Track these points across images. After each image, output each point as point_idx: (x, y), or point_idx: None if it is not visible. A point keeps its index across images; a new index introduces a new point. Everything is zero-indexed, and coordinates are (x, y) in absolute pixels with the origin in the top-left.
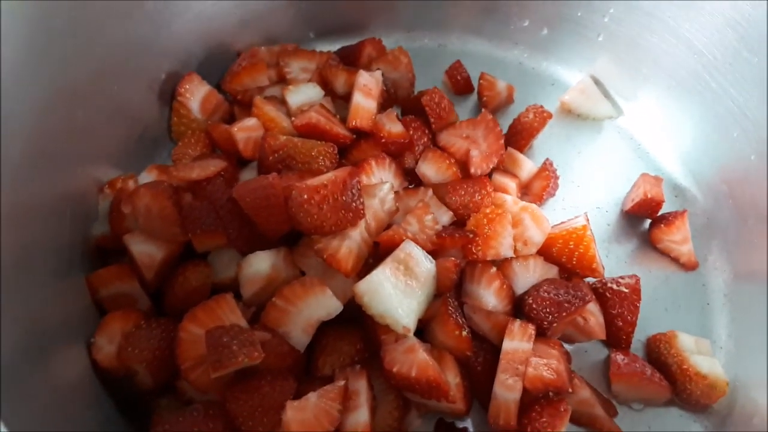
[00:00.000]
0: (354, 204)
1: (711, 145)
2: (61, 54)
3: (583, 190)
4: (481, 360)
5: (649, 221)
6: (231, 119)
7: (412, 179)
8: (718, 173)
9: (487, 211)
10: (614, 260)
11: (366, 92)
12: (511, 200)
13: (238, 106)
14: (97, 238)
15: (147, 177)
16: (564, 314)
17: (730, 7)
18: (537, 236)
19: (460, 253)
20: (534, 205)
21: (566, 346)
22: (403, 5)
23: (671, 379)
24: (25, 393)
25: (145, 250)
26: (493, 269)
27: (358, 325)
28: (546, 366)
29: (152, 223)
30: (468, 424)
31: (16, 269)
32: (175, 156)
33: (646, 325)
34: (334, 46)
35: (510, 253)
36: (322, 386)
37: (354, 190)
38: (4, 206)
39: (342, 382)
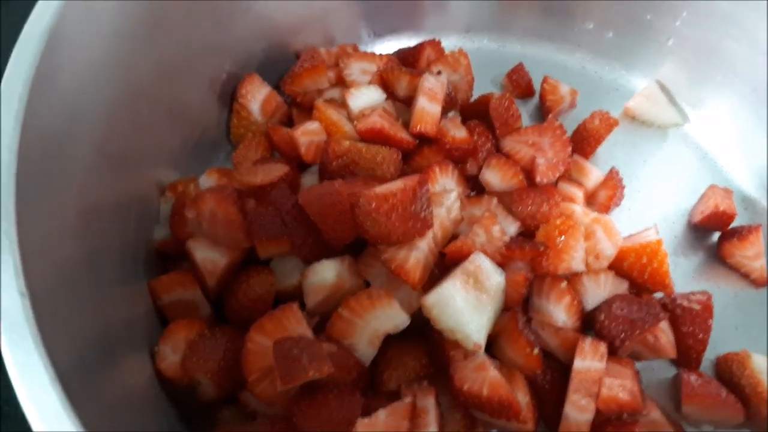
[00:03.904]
0: (423, 214)
1: None
2: (127, 54)
3: (649, 200)
4: (549, 378)
5: (717, 234)
6: (289, 122)
7: (473, 186)
8: None
9: (558, 222)
10: (681, 274)
11: (431, 96)
12: (580, 211)
13: (297, 108)
14: (159, 242)
15: (208, 180)
16: (637, 332)
17: None
18: (609, 250)
19: (527, 265)
20: (607, 217)
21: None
22: (460, 5)
23: (744, 402)
24: (96, 392)
25: (209, 256)
26: (564, 284)
27: (422, 339)
28: (620, 386)
29: (216, 229)
30: None
31: (86, 273)
32: (236, 159)
33: (715, 343)
34: (391, 47)
35: (582, 268)
36: (387, 401)
37: (423, 200)
38: (75, 209)
39: (410, 399)
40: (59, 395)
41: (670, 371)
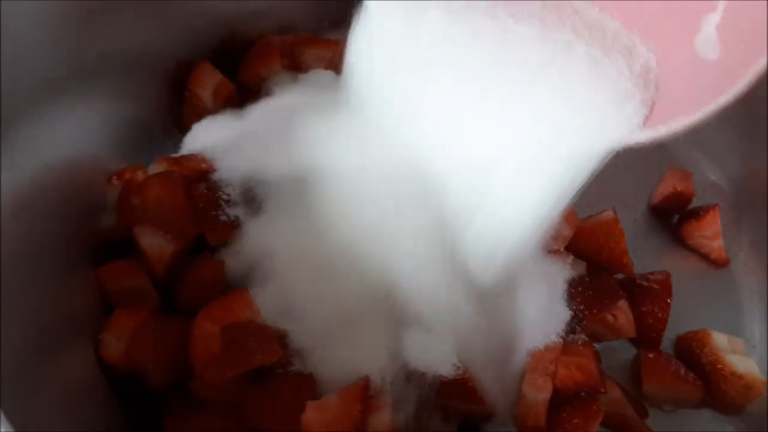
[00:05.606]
0: None
1: (741, 138)
2: (72, 39)
3: (608, 184)
4: None
5: (676, 217)
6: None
7: None
8: (747, 167)
9: None
10: (641, 256)
11: None
12: None
13: (250, 95)
14: (105, 230)
15: (157, 168)
16: (594, 311)
17: None
18: (566, 231)
19: None
20: None
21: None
22: None
23: (704, 380)
24: (31, 390)
25: (156, 243)
26: None
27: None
28: (578, 365)
29: (163, 215)
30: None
31: (20, 262)
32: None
33: (676, 323)
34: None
35: None
36: None
37: None
38: (11, 195)
39: (363, 382)
40: None
41: (631, 352)
